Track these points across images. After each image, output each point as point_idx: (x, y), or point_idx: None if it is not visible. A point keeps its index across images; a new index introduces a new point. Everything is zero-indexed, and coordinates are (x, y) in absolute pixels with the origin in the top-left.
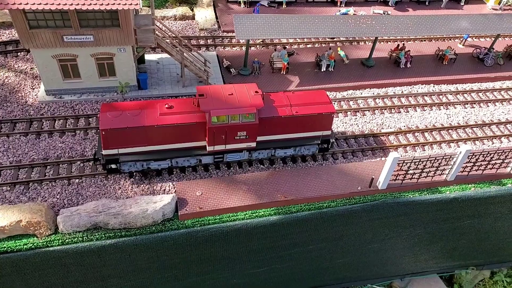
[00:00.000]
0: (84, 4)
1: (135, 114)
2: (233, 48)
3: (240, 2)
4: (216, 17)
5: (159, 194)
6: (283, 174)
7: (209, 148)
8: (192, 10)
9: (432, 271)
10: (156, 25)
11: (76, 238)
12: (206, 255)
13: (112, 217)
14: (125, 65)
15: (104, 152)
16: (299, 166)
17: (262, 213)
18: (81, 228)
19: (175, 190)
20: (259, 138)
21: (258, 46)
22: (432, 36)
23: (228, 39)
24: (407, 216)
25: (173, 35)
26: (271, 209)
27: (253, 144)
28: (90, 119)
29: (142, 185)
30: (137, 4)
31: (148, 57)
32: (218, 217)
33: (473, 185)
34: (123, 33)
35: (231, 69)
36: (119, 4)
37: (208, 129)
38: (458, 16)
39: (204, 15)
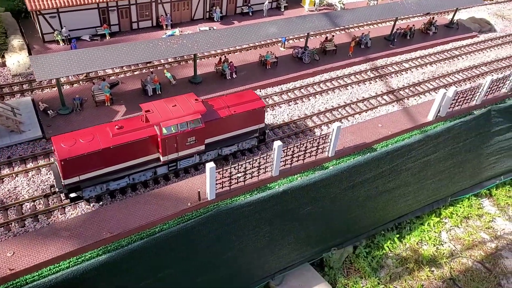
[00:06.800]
0: None
1: (89, 140)
2: (53, 89)
3: (58, 40)
4: None
5: None
6: (110, 210)
7: (163, 159)
8: (2, 56)
9: (303, 261)
10: None
11: None
12: None
13: None
14: None
15: (64, 182)
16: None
17: (89, 255)
18: None
19: None
20: (206, 141)
21: (81, 82)
22: (256, 44)
23: (47, 81)
24: (247, 218)
25: None
26: (99, 249)
27: (202, 147)
28: None
29: None
30: None
31: None
32: (37, 273)
33: (298, 175)
34: None
35: (48, 111)
36: None
37: (160, 140)
38: (265, 23)
39: (17, 59)
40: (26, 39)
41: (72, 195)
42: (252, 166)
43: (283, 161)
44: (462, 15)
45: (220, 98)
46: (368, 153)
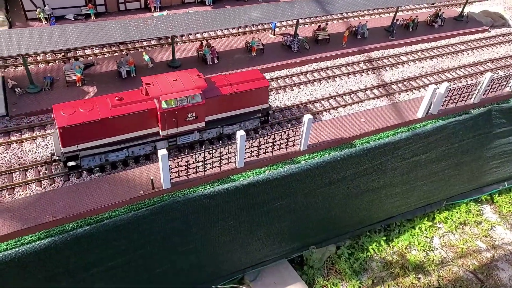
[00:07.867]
0: None
1: (89, 109)
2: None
3: (41, 18)
4: None
5: None
6: (59, 192)
7: (162, 133)
8: None
9: (278, 257)
10: None
11: None
12: None
13: None
14: None
15: (63, 150)
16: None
17: (30, 239)
18: None
19: None
20: (207, 118)
21: (58, 61)
22: (245, 30)
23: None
24: (207, 210)
25: None
26: (40, 232)
27: (203, 124)
28: None
29: None
30: None
31: None
32: None
33: (266, 167)
34: None
35: (16, 89)
36: None
37: (160, 114)
38: (250, 7)
39: None
40: (10, 16)
41: (71, 163)
42: (213, 155)
43: (249, 152)
44: (475, 7)
45: (223, 75)
46: (347, 149)
